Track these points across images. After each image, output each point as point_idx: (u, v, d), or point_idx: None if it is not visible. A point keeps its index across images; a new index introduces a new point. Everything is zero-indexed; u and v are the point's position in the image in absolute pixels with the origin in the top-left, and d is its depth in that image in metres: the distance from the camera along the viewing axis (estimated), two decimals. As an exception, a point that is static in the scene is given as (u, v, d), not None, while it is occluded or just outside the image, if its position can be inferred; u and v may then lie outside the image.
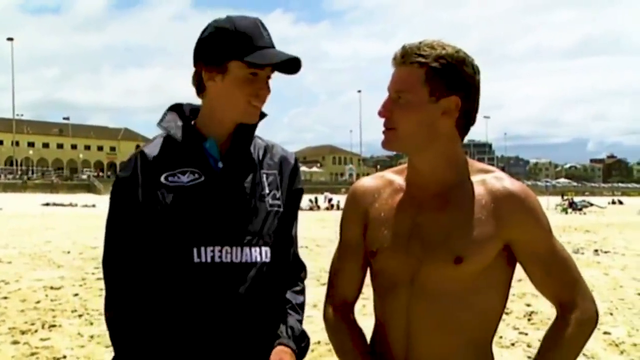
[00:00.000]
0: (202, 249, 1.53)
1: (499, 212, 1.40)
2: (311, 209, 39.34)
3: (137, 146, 1.85)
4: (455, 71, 1.39)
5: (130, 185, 1.58)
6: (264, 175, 1.65)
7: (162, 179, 1.57)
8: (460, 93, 1.40)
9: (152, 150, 1.62)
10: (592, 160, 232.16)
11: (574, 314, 1.41)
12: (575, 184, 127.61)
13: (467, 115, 1.44)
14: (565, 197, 43.80)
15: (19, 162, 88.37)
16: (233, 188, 1.60)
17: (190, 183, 1.57)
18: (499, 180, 1.44)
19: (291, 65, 1.56)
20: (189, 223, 1.54)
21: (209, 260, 1.53)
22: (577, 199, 43.73)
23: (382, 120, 1.44)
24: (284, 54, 1.55)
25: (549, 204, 42.81)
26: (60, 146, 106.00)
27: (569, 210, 37.30)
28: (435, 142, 1.42)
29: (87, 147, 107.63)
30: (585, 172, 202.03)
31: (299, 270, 1.74)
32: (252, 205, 1.60)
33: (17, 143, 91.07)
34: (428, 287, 1.41)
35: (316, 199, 42.79)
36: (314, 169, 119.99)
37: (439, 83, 1.38)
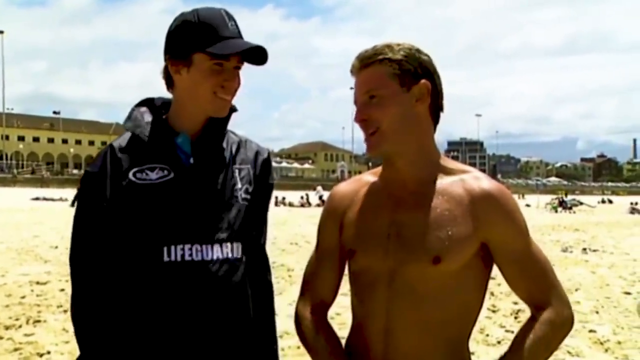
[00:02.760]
0: (172, 247, 1.51)
1: (476, 211, 1.41)
2: (302, 205, 39.31)
3: None
4: (417, 58, 1.44)
5: (98, 181, 1.55)
6: (237, 171, 1.63)
7: (131, 175, 1.54)
8: (427, 77, 1.44)
9: (121, 145, 1.59)
10: (582, 159, 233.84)
11: (547, 316, 1.41)
12: (565, 182, 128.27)
13: (436, 100, 1.47)
14: (556, 197, 44.00)
15: (9, 156, 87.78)
16: (204, 184, 1.57)
17: (159, 180, 1.54)
18: (477, 180, 1.45)
19: (257, 55, 1.53)
20: (158, 221, 1.52)
21: (179, 259, 1.50)
22: (568, 197, 43.90)
23: (363, 128, 1.45)
24: (246, 43, 1.52)
25: (539, 203, 43.04)
26: (51, 140, 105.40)
27: (559, 208, 37.47)
28: (415, 132, 1.45)
29: (78, 142, 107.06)
30: (575, 171, 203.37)
31: (265, 270, 1.70)
32: (223, 201, 1.58)
33: (7, 137, 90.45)
34: (406, 286, 1.41)
35: (307, 195, 42.77)
36: (306, 165, 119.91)
37: (406, 72, 1.42)
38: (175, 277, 1.50)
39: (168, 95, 1.63)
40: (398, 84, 1.42)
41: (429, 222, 1.41)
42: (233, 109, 1.61)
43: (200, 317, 1.52)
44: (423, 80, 1.43)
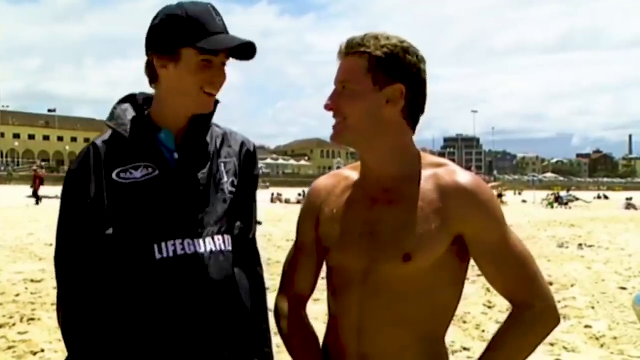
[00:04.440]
0: (163, 244, 1.49)
1: (448, 205, 1.37)
2: (298, 202, 39.29)
3: None
4: (398, 60, 1.39)
5: (81, 180, 1.52)
6: (222, 164, 1.62)
7: (114, 175, 1.51)
8: (404, 81, 1.39)
9: (104, 143, 1.56)
10: (578, 155, 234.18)
11: (527, 314, 1.37)
12: (561, 178, 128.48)
13: (414, 104, 1.42)
14: (552, 192, 44.07)
15: (4, 153, 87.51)
16: (189, 180, 1.56)
17: (144, 178, 1.52)
18: (449, 173, 1.41)
19: (246, 50, 1.52)
20: (146, 220, 1.50)
21: (171, 254, 1.49)
22: (563, 193, 43.99)
23: (331, 115, 1.44)
24: (237, 39, 1.52)
25: (535, 199, 43.10)
26: (46, 138, 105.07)
27: (555, 204, 37.53)
28: (383, 132, 1.41)
29: (74, 139, 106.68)
30: (571, 167, 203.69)
31: (255, 263, 1.68)
32: (210, 194, 1.57)
33: (3, 135, 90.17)
34: (380, 284, 1.39)
35: (304, 192, 42.74)
36: (302, 162, 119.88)
37: (381, 72, 1.38)
38: (169, 272, 1.49)
39: (151, 90, 1.61)
40: (371, 81, 1.39)
41: (400, 220, 1.39)
42: (216, 102, 1.59)
43: (196, 311, 1.51)
44: (398, 84, 1.39)
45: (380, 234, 1.40)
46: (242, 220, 1.64)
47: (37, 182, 28.56)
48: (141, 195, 1.51)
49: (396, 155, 1.44)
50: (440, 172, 1.42)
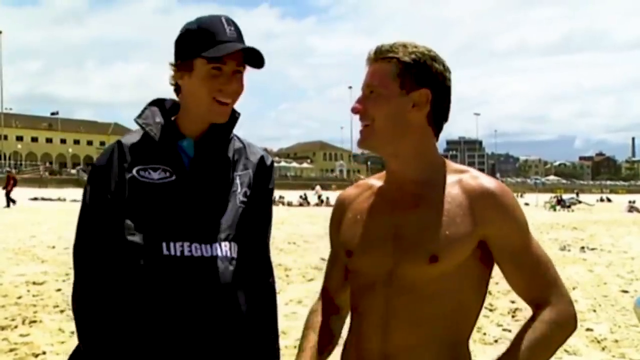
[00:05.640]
0: (172, 243, 1.54)
1: (473, 209, 1.41)
2: (301, 204, 39.34)
3: None
4: (425, 66, 1.43)
5: (104, 175, 1.59)
6: (237, 177, 1.66)
7: (134, 172, 1.58)
8: (430, 87, 1.43)
9: (129, 142, 1.63)
10: (581, 158, 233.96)
11: (547, 315, 1.39)
12: (564, 181, 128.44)
13: (439, 110, 1.46)
14: (554, 195, 44.02)
15: (7, 156, 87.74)
16: (203, 187, 1.60)
17: (160, 180, 1.58)
18: (474, 178, 1.46)
19: (255, 58, 1.57)
20: (156, 220, 1.55)
21: (178, 253, 1.53)
22: (565, 196, 43.96)
23: (359, 120, 1.47)
24: (238, 45, 1.55)
25: (538, 201, 43.06)
26: (49, 140, 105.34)
27: (558, 207, 37.49)
28: (408, 135, 1.44)
29: (77, 142, 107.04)
30: (574, 170, 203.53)
31: (267, 275, 1.73)
32: (222, 202, 1.61)
33: (6, 137, 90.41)
34: (405, 285, 1.41)
35: (305, 195, 42.78)
36: (305, 164, 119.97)
37: (409, 76, 1.43)
38: (174, 270, 1.53)
39: (165, 94, 1.70)
40: (398, 86, 1.43)
41: (426, 222, 1.41)
42: (235, 114, 1.65)
43: (195, 312, 1.54)
44: (424, 89, 1.43)
45: (405, 236, 1.42)
46: (252, 230, 1.67)
47: (10, 183, 28.45)
48: (154, 195, 1.57)
49: (420, 160, 1.47)
50: (464, 178, 1.46)
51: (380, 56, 1.45)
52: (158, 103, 1.69)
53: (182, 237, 1.54)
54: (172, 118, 1.66)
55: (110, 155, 1.61)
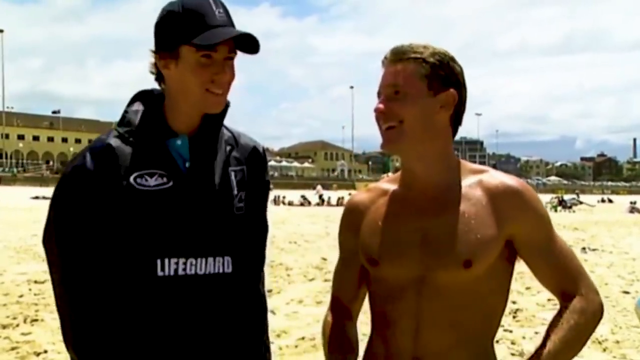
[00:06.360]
0: (166, 260, 1.45)
1: (498, 208, 1.42)
2: (302, 204, 39.30)
3: None
4: (450, 67, 1.44)
5: (94, 182, 1.44)
6: (232, 173, 1.56)
7: (132, 179, 1.45)
8: (455, 88, 1.44)
9: (119, 144, 1.48)
10: (582, 159, 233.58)
11: (579, 304, 1.41)
12: (565, 182, 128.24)
13: (458, 112, 1.47)
14: (555, 196, 43.97)
15: (8, 154, 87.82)
16: (200, 194, 1.49)
17: (156, 187, 1.46)
18: (494, 177, 1.46)
19: (248, 43, 1.43)
20: (152, 232, 1.44)
21: (172, 273, 1.45)
22: (566, 196, 43.92)
23: (377, 121, 1.44)
24: (234, 31, 1.42)
25: (539, 202, 42.90)
26: (50, 139, 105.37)
27: (559, 207, 37.45)
28: (434, 137, 1.44)
29: (78, 141, 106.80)
30: (575, 170, 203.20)
31: (257, 279, 1.63)
32: (219, 212, 1.51)
33: (7, 136, 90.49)
34: (437, 291, 1.41)
35: (306, 194, 42.74)
36: (306, 164, 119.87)
37: (436, 77, 1.42)
38: (168, 292, 1.45)
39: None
40: (426, 86, 1.41)
41: (455, 227, 1.41)
42: (227, 104, 1.52)
43: (193, 332, 1.48)
44: (452, 89, 1.43)
45: (435, 242, 1.41)
46: (248, 241, 1.58)
47: None
48: (150, 204, 1.45)
49: (442, 163, 1.46)
50: (484, 178, 1.46)
51: (403, 57, 1.42)
52: (141, 97, 1.54)
53: (177, 253, 1.45)
54: (161, 111, 1.51)
55: (99, 158, 1.45)
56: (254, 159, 1.62)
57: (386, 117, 1.42)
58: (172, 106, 1.51)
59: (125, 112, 1.53)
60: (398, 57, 1.43)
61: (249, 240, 1.58)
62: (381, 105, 1.42)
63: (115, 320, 1.45)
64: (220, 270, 1.50)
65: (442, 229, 1.41)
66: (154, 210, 1.45)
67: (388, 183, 1.57)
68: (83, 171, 1.45)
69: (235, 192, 1.54)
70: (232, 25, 1.44)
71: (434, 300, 1.40)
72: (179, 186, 1.47)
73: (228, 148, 1.58)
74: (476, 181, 1.45)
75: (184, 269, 1.45)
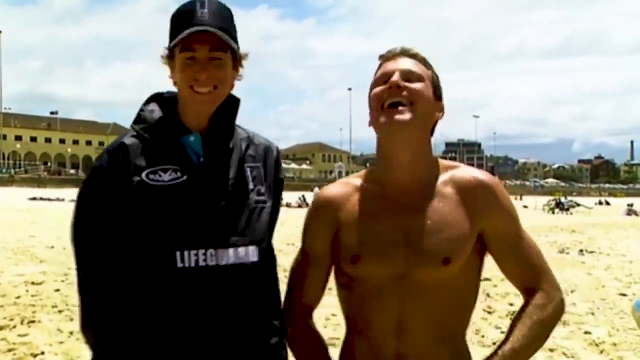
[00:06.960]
0: (186, 252, 1.46)
1: (470, 203, 1.46)
2: (299, 206, 39.30)
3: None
4: (440, 85, 1.54)
5: (108, 179, 1.51)
6: (248, 170, 1.59)
7: (144, 175, 1.49)
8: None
9: (132, 142, 1.54)
10: (579, 161, 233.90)
11: (541, 300, 1.45)
12: (563, 184, 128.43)
13: (434, 126, 1.54)
14: (552, 198, 44.03)
15: (6, 155, 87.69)
16: (215, 186, 1.53)
17: (171, 182, 1.50)
18: (466, 172, 1.51)
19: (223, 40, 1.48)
20: (170, 225, 1.48)
21: (192, 264, 1.46)
22: (564, 199, 43.96)
23: (380, 100, 1.45)
24: (194, 28, 1.45)
25: (536, 204, 43.07)
26: (48, 140, 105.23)
27: (556, 210, 37.51)
28: (427, 134, 1.52)
29: (76, 142, 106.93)
30: (573, 173, 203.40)
31: (274, 264, 1.67)
32: (236, 203, 1.54)
33: (5, 137, 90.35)
34: (417, 287, 1.43)
35: (303, 196, 42.75)
36: (304, 166, 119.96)
37: (436, 87, 1.52)
38: (189, 283, 1.47)
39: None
40: (433, 91, 1.50)
41: (433, 225, 1.44)
42: (234, 100, 1.59)
43: (216, 321, 1.49)
44: (442, 103, 1.53)
45: (415, 239, 1.43)
46: (268, 229, 1.60)
47: None
48: (166, 198, 1.48)
49: (426, 162, 1.51)
50: (456, 173, 1.51)
51: (417, 57, 1.51)
52: (156, 98, 1.61)
53: (197, 245, 1.46)
54: (175, 110, 1.57)
55: (114, 157, 1.51)
56: (269, 159, 1.66)
57: (401, 90, 1.44)
58: (181, 105, 1.57)
59: (141, 110, 1.59)
60: (408, 53, 1.50)
61: (270, 231, 1.62)
62: (399, 80, 1.45)
63: (135, 309, 1.48)
64: (245, 261, 1.51)
65: (422, 227, 1.44)
66: (170, 203, 1.48)
67: (358, 178, 1.57)
68: (99, 171, 1.53)
69: (252, 186, 1.58)
70: (218, 24, 1.47)
71: (415, 297, 1.42)
72: (193, 179, 1.52)
73: (244, 146, 1.62)
74: (449, 177, 1.50)
75: (205, 260, 1.47)
